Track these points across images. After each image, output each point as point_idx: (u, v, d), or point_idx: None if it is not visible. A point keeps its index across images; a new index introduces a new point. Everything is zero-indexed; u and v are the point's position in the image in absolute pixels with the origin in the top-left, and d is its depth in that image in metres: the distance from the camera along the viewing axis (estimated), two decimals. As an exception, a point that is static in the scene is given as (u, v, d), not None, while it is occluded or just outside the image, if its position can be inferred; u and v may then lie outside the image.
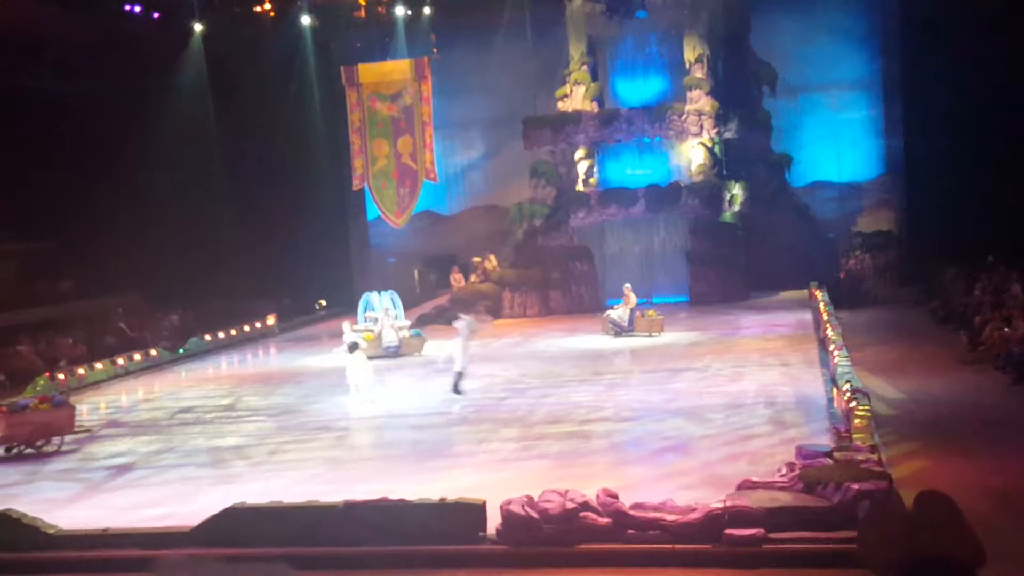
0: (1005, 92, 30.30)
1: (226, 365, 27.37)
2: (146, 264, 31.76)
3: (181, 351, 28.22)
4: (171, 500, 13.67)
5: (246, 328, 30.99)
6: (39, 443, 17.15)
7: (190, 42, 34.79)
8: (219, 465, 15.78)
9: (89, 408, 21.43)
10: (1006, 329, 20.00)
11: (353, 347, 19.81)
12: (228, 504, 11.95)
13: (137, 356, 26.61)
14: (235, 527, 11.49)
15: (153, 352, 27.31)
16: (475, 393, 20.13)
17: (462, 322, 20.26)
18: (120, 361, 25.98)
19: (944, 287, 28.37)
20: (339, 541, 11.26)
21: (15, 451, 17.13)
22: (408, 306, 29.46)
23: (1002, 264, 26.86)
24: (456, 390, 19.41)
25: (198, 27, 34.65)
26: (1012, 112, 30.30)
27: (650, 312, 26.69)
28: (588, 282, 32.40)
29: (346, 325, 24.02)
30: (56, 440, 17.31)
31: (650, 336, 25.84)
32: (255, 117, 34.44)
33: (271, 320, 32.13)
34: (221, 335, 29.85)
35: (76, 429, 17.79)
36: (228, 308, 32.30)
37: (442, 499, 11.51)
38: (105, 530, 11.96)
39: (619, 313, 26.51)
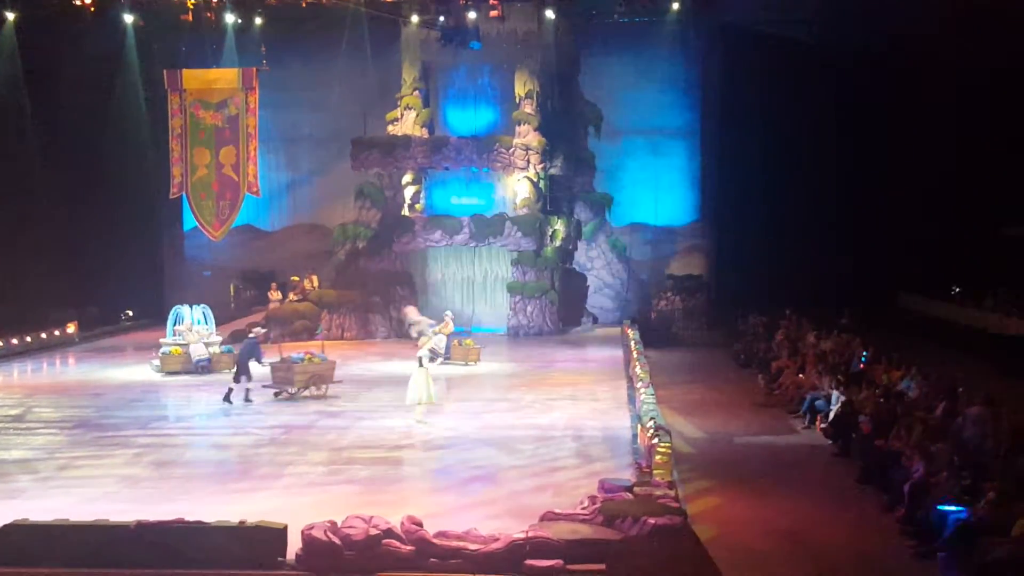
0: (810, 156, 32.37)
1: (18, 373, 25.85)
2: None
3: (-31, 356, 26.55)
4: (-54, 515, 12.78)
5: (43, 335, 29.42)
6: (311, 388, 21.21)
7: (2, 30, 32.99)
8: (2, 479, 14.89)
9: None
10: (800, 376, 21.14)
11: (422, 361, 18.92)
12: (8, 520, 11.30)
13: (-81, 359, 24.88)
14: (16, 545, 10.86)
15: (-63, 355, 25.60)
16: (285, 414, 19.76)
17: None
18: (-101, 363, 24.20)
19: (745, 333, 29.80)
20: (130, 563, 10.81)
21: (286, 394, 21.04)
22: (222, 321, 28.66)
23: (798, 315, 28.40)
24: None
25: (10, 15, 32.91)
26: (816, 175, 32.39)
27: (467, 341, 26.83)
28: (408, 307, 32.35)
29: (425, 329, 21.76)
30: (323, 387, 21.35)
31: (466, 365, 25.98)
32: (72, 114, 32.91)
33: (71, 328, 30.60)
34: (15, 341, 28.22)
35: (334, 380, 21.66)
36: (26, 314, 30.56)
37: (241, 522, 11.23)
38: None
39: (436, 340, 26.53)
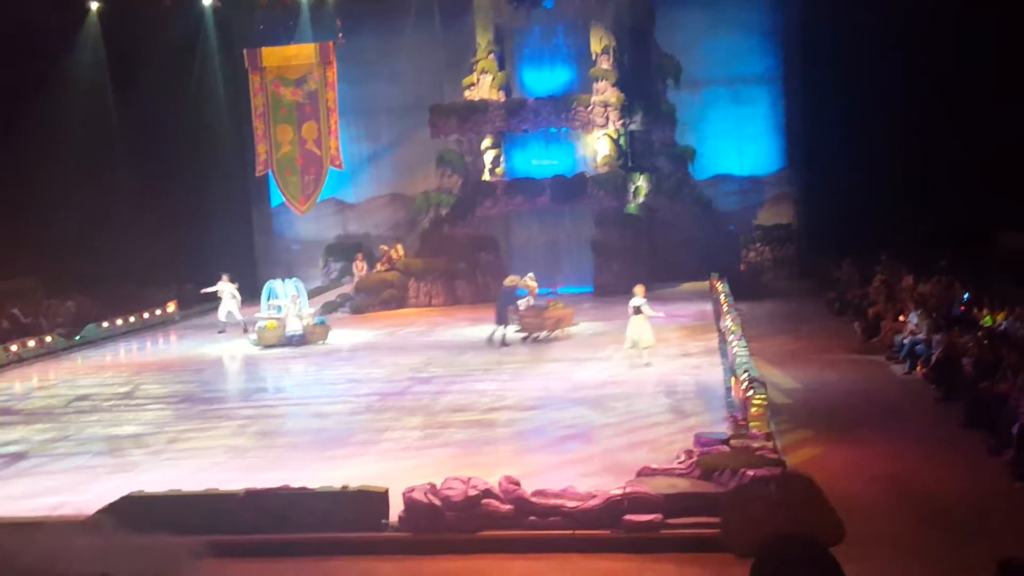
0: (900, 94, 31.28)
1: (124, 352, 26.73)
2: (42, 249, 30.79)
3: (77, 338, 27.47)
4: (66, 489, 13.37)
5: (145, 315, 30.32)
6: (556, 331, 23.85)
7: (86, 20, 33.84)
8: (116, 454, 15.46)
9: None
10: (899, 319, 20.66)
11: (636, 310, 20.09)
12: (125, 492, 11.74)
13: (31, 343, 25.83)
14: (133, 515, 11.28)
15: (48, 339, 26.55)
16: (379, 382, 20.09)
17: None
18: (13, 348, 25.19)
19: (839, 280, 29.21)
20: (239, 529, 11.16)
21: (534, 338, 23.57)
22: (313, 294, 29.17)
23: (894, 260, 27.71)
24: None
25: (94, 5, 33.74)
26: (906, 113, 31.32)
27: (558, 304, 26.78)
28: (494, 272, 32.36)
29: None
30: (567, 329, 24.29)
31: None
32: (156, 99, 33.57)
33: (171, 307, 31.48)
34: (119, 322, 29.13)
35: (574, 323, 24.72)
36: (128, 294, 31.49)
37: (344, 487, 11.48)
38: (-5, 521, 11.62)
39: (525, 304, 26.56)
